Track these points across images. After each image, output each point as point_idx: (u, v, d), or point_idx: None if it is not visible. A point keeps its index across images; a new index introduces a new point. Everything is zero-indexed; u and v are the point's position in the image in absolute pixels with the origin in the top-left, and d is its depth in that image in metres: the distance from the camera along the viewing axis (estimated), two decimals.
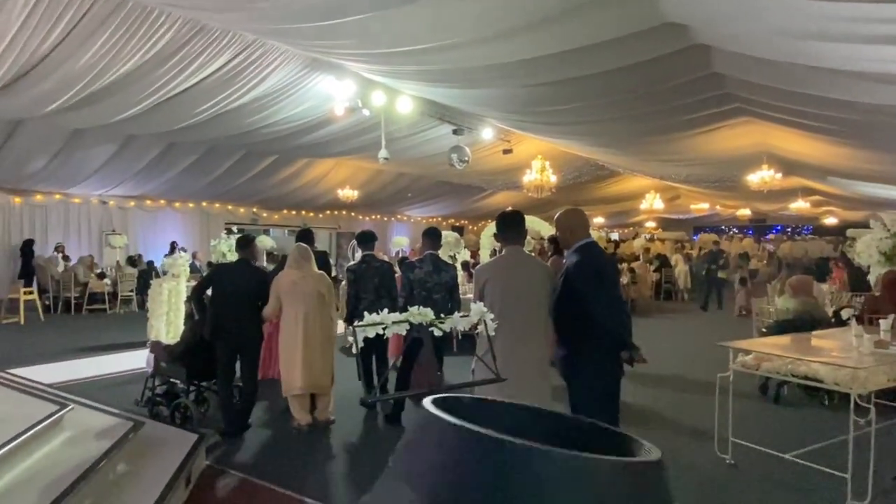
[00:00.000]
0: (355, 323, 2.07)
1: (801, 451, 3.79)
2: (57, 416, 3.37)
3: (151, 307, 8.31)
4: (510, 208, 3.73)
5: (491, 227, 13.24)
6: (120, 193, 14.97)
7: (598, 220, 27.62)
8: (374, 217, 23.16)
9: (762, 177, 11.69)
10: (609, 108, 8.46)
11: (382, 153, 10.55)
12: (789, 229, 28.75)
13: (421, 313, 2.03)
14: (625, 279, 12.09)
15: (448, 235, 9.00)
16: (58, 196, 13.95)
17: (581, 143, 12.44)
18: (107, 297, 11.91)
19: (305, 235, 5.40)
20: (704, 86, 7.41)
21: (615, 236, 27.70)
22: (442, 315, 2.23)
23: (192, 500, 3.38)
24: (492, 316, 2.36)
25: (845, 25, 4.04)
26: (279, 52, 8.50)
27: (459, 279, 5.98)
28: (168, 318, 8.25)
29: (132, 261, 12.75)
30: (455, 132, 12.12)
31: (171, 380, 4.73)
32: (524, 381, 2.94)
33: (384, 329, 2.10)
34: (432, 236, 4.89)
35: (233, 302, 4.20)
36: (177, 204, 16.57)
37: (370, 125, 11.26)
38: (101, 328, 9.83)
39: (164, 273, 8.36)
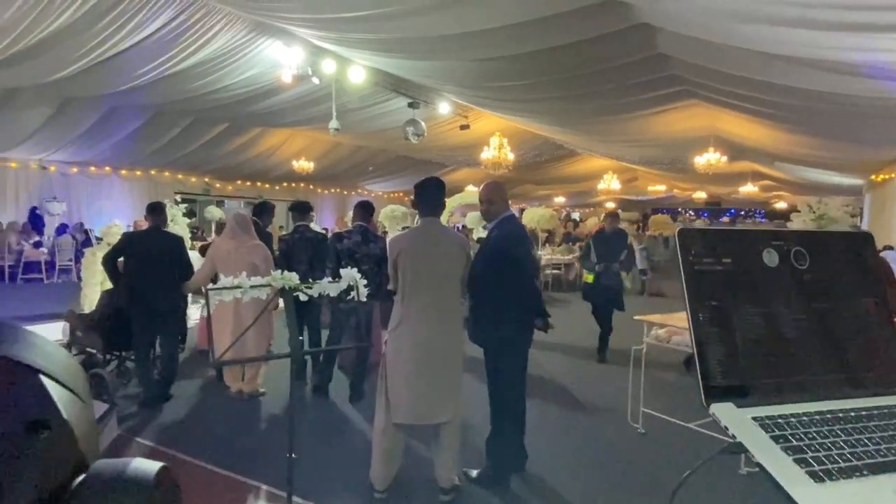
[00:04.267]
0: (208, 286, 2.02)
1: (704, 420, 3.94)
2: None
3: (85, 276, 8.03)
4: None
5: (453, 199, 13.22)
6: (61, 159, 14.30)
7: (559, 199, 27.92)
8: (333, 191, 22.83)
9: (708, 159, 11.95)
10: (557, 86, 8.46)
11: (333, 124, 10.34)
12: (742, 213, 29.65)
13: (284, 277, 1.99)
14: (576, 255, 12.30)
15: (395, 210, 8.95)
16: None
17: (535, 120, 12.46)
18: (44, 266, 11.45)
19: (263, 208, 5.29)
20: (651, 67, 7.47)
21: (576, 216, 28.05)
22: (311, 280, 2.19)
23: None
24: (365, 282, 2.33)
25: (798, 11, 4.03)
26: (222, 13, 8.17)
27: None
28: (101, 287, 8.00)
29: (62, 229, 12.25)
30: (411, 105, 11.97)
31: (89, 350, 4.59)
32: (434, 353, 2.95)
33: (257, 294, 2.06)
34: (363, 208, 4.85)
35: (147, 269, 4.07)
36: (123, 171, 15.96)
37: (321, 95, 11.00)
38: (35, 297, 9.47)
39: (99, 241, 8.07)
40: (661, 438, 4.05)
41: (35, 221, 13.10)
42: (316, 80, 9.84)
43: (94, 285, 8.01)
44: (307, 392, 4.90)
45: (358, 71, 10.05)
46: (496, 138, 13.93)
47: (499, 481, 3.26)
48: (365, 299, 2.75)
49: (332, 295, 2.28)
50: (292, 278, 2.00)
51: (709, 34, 5.53)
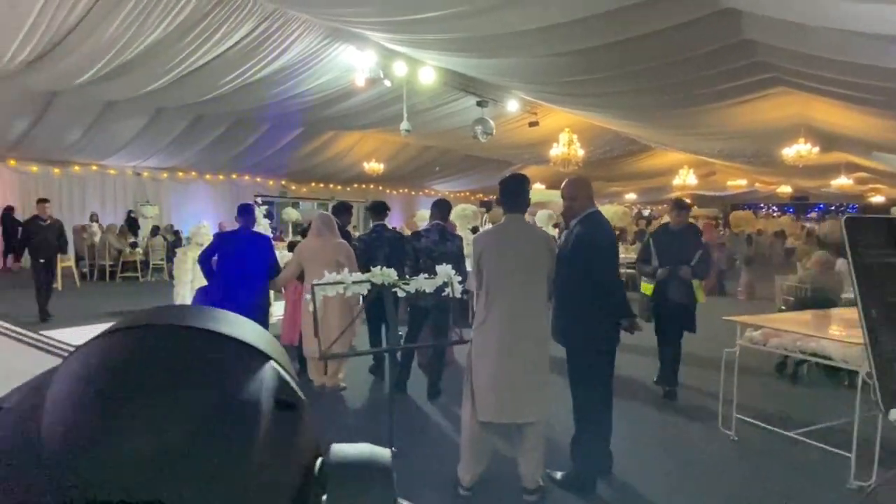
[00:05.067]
0: (314, 281, 2.08)
1: (806, 429, 3.69)
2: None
3: (177, 274, 8.57)
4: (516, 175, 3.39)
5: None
6: (153, 165, 15.37)
7: (630, 196, 27.04)
8: (401, 191, 23.20)
9: (798, 150, 11.19)
10: (632, 78, 8.19)
11: (404, 125, 10.50)
12: (832, 208, 27.61)
13: (383, 273, 2.02)
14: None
15: (466, 208, 8.97)
16: (94, 167, 14.42)
17: (607, 115, 12.12)
18: (139, 266, 12.33)
19: (341, 208, 5.47)
20: (735, 54, 7.08)
21: (647, 213, 27.09)
22: (407, 276, 2.22)
23: None
24: (459, 278, 2.33)
25: None
26: (299, 21, 8.49)
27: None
28: (192, 286, 8.50)
29: (155, 230, 13.15)
30: (479, 104, 11.96)
31: None
32: (519, 352, 2.92)
33: (370, 290, 2.11)
34: (440, 207, 4.88)
35: (237, 267, 4.28)
36: (207, 176, 16.92)
37: (392, 97, 11.21)
38: (132, 294, 10.20)
39: (188, 242, 8.59)
40: (756, 446, 3.83)
41: (130, 224, 14.14)
42: (387, 83, 10.02)
43: (186, 283, 8.53)
44: (384, 388, 5.00)
45: (428, 72, 10.16)
46: (565, 134, 13.68)
47: (583, 484, 3.18)
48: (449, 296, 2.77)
49: (428, 291, 2.30)
50: (391, 275, 2.04)
51: (801, 16, 5.17)
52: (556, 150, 13.74)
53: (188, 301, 8.18)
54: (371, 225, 5.42)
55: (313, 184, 19.94)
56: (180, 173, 16.23)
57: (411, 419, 4.30)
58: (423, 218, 13.49)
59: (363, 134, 16.01)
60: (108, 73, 9.19)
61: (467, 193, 25.41)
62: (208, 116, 12.87)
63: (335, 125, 14.28)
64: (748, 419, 3.93)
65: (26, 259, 8.56)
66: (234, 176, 17.47)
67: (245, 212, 4.47)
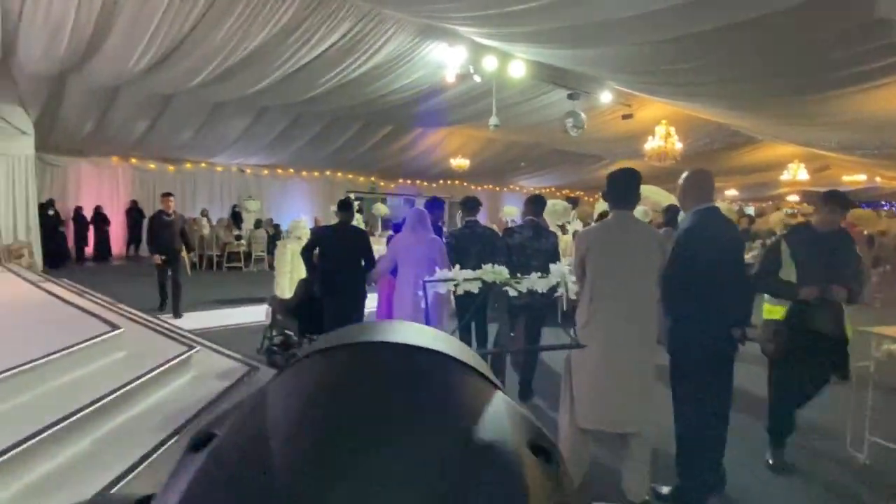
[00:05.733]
0: (426, 278, 2.05)
1: None
2: (185, 356, 3.77)
3: (277, 265, 9.03)
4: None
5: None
6: (255, 162, 16.32)
7: (731, 192, 25.33)
8: (486, 187, 23.12)
9: None
10: (741, 64, 7.61)
11: (493, 120, 10.41)
12: None
13: (494, 271, 1.96)
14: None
15: (556, 204, 8.71)
16: (203, 164, 15.54)
17: (712, 105, 11.36)
18: (242, 257, 13.14)
19: (434, 204, 5.46)
20: (867, 35, 6.36)
21: (750, 210, 25.25)
22: (518, 275, 2.13)
23: None
24: (573, 278, 2.21)
25: None
26: (393, 20, 8.64)
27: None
28: (291, 277, 8.92)
29: (257, 223, 13.95)
30: (570, 97, 11.63)
31: (286, 332, 5.11)
32: (624, 358, 2.76)
33: (479, 292, 2.06)
34: (534, 203, 4.75)
35: (336, 260, 4.41)
36: (304, 173, 17.74)
37: (481, 92, 11.15)
38: (236, 283, 10.87)
39: (287, 235, 9.01)
40: (891, 472, 3.41)
41: (235, 217, 15.10)
42: (477, 78, 9.98)
43: (285, 274, 8.96)
44: None
45: (518, 65, 10.01)
46: (662, 127, 13.01)
47: (689, 502, 2.97)
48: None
49: (541, 291, 2.22)
50: (503, 273, 1.98)
51: None
52: (651, 144, 13.10)
53: (286, 292, 8.60)
54: (461, 220, 5.37)
55: (401, 180, 20.35)
56: (279, 170, 17.13)
57: None
58: (510, 214, 13.37)
59: (450, 130, 16.10)
60: (217, 75, 9.83)
61: (553, 189, 24.91)
62: (306, 116, 13.46)
63: (424, 122, 14.44)
64: (883, 441, 3.51)
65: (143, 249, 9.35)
66: (327, 172, 18.19)
67: (345, 207, 4.59)
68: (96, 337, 3.42)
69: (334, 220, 9.95)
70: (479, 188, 22.94)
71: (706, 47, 7.10)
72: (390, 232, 9.77)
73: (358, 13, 8.26)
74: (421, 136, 16.26)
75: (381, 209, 14.12)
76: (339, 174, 18.51)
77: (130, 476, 2.44)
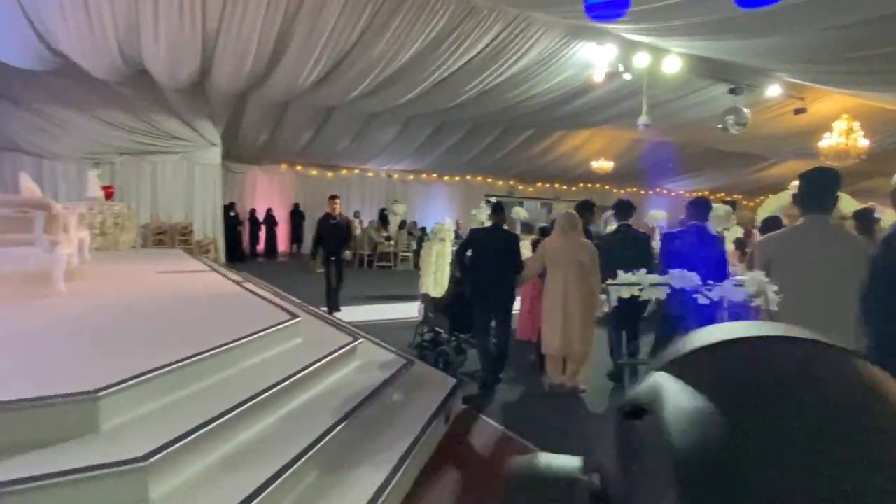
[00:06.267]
0: (608, 282, 2.00)
1: None
2: (351, 346, 4.08)
3: (422, 266, 9.43)
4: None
5: (771, 201, 11.40)
6: (401, 168, 17.23)
7: None
8: (629, 190, 22.09)
9: None
10: None
11: (643, 119, 9.93)
12: None
13: (684, 276, 1.85)
14: None
15: (718, 209, 8.06)
16: (357, 171, 16.74)
17: None
18: (391, 257, 13.94)
19: (585, 206, 5.23)
20: None
21: None
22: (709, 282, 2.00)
23: (449, 435, 3.77)
24: (774, 288, 2.01)
25: None
26: (541, 23, 8.61)
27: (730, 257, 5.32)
28: (435, 277, 9.27)
29: (402, 225, 14.68)
30: (732, 91, 10.72)
31: (437, 329, 5.32)
32: None
33: (639, 297, 1.99)
34: (699, 206, 4.44)
35: (488, 263, 4.49)
36: (445, 178, 18.35)
37: (630, 90, 10.70)
38: (385, 281, 11.54)
39: (433, 237, 9.35)
40: None
41: (382, 220, 16.05)
42: (627, 76, 9.60)
43: (429, 273, 9.32)
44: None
45: (673, 60, 9.45)
46: (842, 121, 11.47)
47: None
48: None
49: (736, 300, 2.08)
50: (693, 278, 1.89)
51: None
52: (828, 141, 11.61)
53: (431, 291, 8.94)
54: (616, 224, 5.18)
55: (539, 183, 20.19)
56: (423, 175, 17.90)
57: None
58: (657, 218, 12.62)
59: (593, 132, 15.64)
60: (373, 88, 10.53)
61: (706, 192, 23.09)
62: (449, 123, 13.92)
63: (566, 124, 14.20)
64: None
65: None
66: (467, 177, 18.63)
67: (498, 210, 4.68)
68: (280, 324, 3.84)
69: (475, 224, 10.15)
70: (622, 191, 21.98)
71: None
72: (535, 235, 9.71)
73: (506, 19, 8.36)
74: (562, 138, 16.01)
75: (520, 213, 14.10)
76: (479, 178, 18.86)
77: (313, 450, 2.68)
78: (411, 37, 8.55)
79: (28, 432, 2.21)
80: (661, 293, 1.94)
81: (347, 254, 7.73)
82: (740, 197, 23.60)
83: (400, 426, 3.40)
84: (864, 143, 11.42)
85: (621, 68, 9.52)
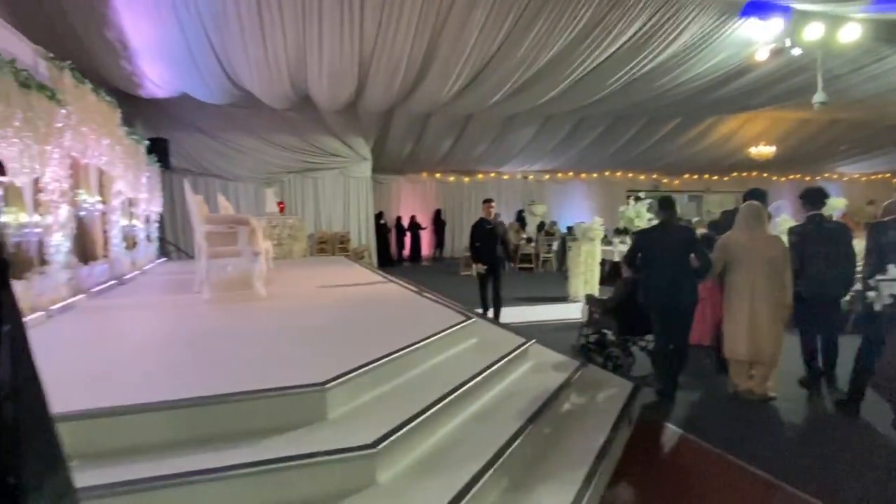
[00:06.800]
0: (877, 277, 1.81)
1: None
2: (524, 347, 4.13)
3: (571, 267, 9.29)
4: None
5: None
6: (537, 168, 17.13)
7: None
8: (791, 177, 19.90)
9: None
10: None
11: (818, 97, 8.90)
12: None
13: None
14: None
15: None
16: (493, 174, 16.95)
17: None
18: (532, 258, 13.89)
19: (755, 194, 4.69)
20: None
21: None
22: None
23: (633, 439, 3.66)
24: None
25: None
26: (694, 3, 8.09)
27: None
28: (584, 278, 9.09)
29: (541, 226, 14.54)
30: None
31: (603, 330, 5.20)
32: None
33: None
34: None
35: (663, 265, 4.27)
36: (583, 175, 17.91)
37: (799, 66, 9.67)
38: (529, 283, 11.51)
39: (581, 237, 9.18)
40: None
41: (521, 221, 16.07)
42: (797, 52, 8.68)
43: (578, 275, 9.17)
44: (828, 406, 4.29)
45: (852, 28, 8.38)
46: None
47: None
48: None
49: None
50: None
51: None
52: None
53: (580, 290, 8.77)
54: (806, 215, 4.67)
55: (686, 175, 18.94)
56: (560, 174, 17.64)
57: (859, 447, 3.56)
58: (837, 206, 11.20)
59: (749, 116, 14.33)
60: (513, 91, 10.60)
61: (888, 176, 20.14)
62: (589, 119, 13.57)
63: (719, 109, 13.18)
64: None
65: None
66: (606, 173, 18.02)
67: (667, 205, 4.44)
68: (458, 324, 4.01)
69: (623, 223, 9.75)
70: (782, 179, 19.86)
71: None
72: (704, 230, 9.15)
73: (656, 4, 7.97)
74: (713, 125, 14.89)
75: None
76: (619, 173, 18.14)
77: (500, 460, 2.66)
78: (554, 36, 8.48)
79: (265, 420, 2.51)
80: None
81: (511, 266, 7.55)
82: None
83: (585, 429, 3.37)
84: None
85: (787, 43, 8.63)
